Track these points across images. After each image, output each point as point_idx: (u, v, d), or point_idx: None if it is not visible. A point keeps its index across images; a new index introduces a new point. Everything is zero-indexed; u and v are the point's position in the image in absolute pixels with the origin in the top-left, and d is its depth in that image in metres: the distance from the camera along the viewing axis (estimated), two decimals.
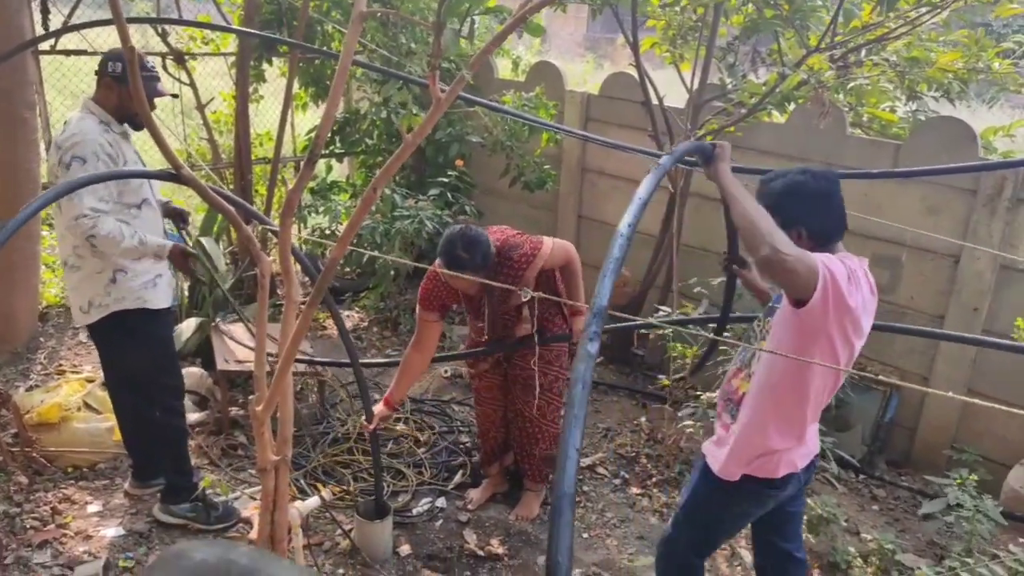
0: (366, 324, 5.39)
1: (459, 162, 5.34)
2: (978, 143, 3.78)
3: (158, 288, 2.99)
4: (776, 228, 1.84)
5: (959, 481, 3.26)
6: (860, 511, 3.72)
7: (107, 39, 3.95)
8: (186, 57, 5.10)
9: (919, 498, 3.79)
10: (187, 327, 4.37)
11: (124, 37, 1.74)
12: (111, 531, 3.15)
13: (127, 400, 3.17)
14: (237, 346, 4.01)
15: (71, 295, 2.99)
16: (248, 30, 4.49)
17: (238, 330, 4.18)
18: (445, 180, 5.22)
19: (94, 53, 4.70)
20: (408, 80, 4.41)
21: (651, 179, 1.76)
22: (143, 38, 6.40)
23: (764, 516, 2.34)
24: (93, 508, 3.28)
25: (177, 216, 3.27)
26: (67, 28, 3.84)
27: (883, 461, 4.09)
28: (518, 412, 3.39)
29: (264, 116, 6.11)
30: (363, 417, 3.17)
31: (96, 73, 2.89)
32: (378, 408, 3.19)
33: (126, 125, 2.91)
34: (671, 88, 4.74)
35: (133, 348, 3.00)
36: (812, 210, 2.06)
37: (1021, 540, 3.15)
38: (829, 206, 2.08)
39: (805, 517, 3.42)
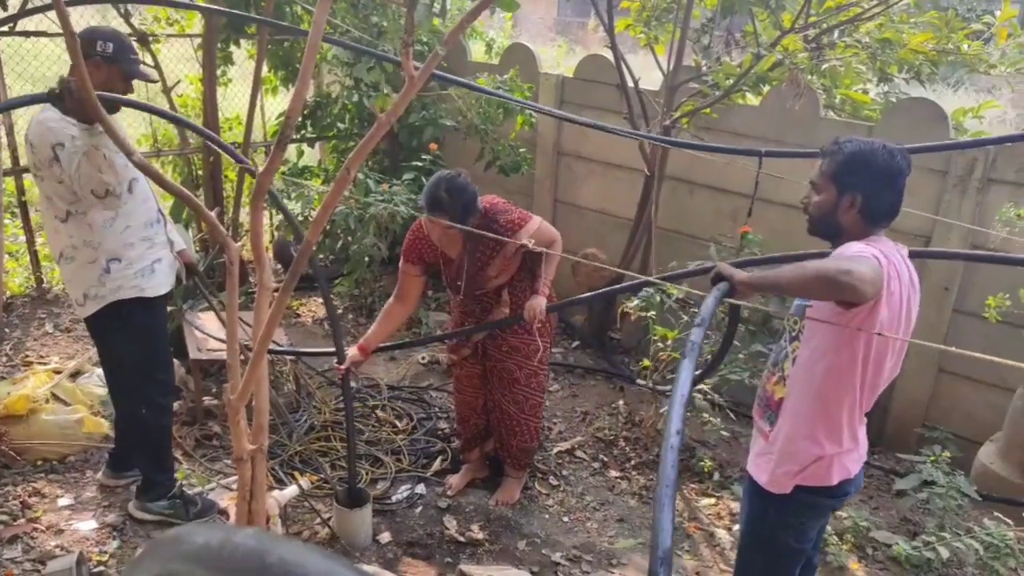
0: (341, 311, 5.33)
1: (433, 146, 5.28)
2: (949, 124, 3.81)
3: (156, 274, 2.89)
4: (829, 262, 1.80)
5: (932, 459, 3.31)
6: None
7: (74, 21, 3.84)
8: (150, 38, 4.98)
9: (892, 477, 3.85)
10: None
11: (64, 21, 1.63)
12: (83, 524, 3.09)
13: (120, 392, 3.10)
14: (209, 334, 3.93)
15: (67, 287, 2.89)
16: (213, 7, 4.38)
17: (208, 319, 4.11)
18: (419, 164, 5.16)
19: (55, 35, 4.56)
20: (380, 57, 4.34)
21: (697, 339, 1.64)
22: (104, 19, 6.22)
23: None
24: (64, 501, 3.21)
25: (185, 269, 3.17)
26: (28, 11, 3.68)
27: None
28: (496, 404, 3.37)
29: (233, 100, 5.99)
30: (335, 361, 3.10)
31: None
32: (351, 351, 3.10)
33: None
34: (646, 71, 4.72)
35: (127, 339, 2.90)
36: (872, 183, 1.97)
37: (996, 514, 3.21)
38: (891, 186, 1.99)
39: None
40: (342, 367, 3.04)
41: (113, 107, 2.63)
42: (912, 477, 3.32)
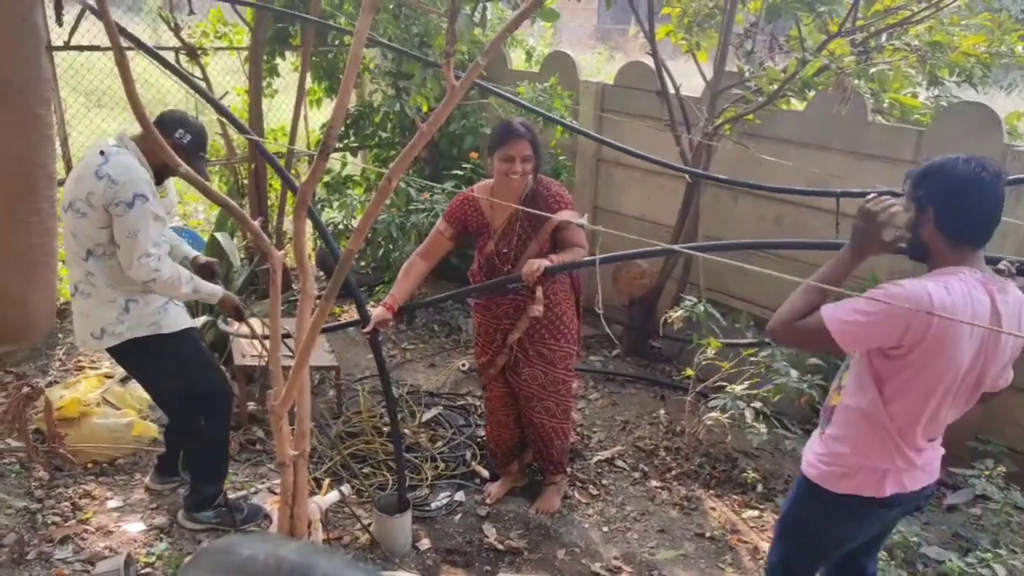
0: None
1: (473, 154, 5.31)
2: (1003, 128, 3.70)
3: (170, 313, 2.93)
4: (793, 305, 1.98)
5: (986, 473, 3.20)
6: None
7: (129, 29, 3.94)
8: (199, 52, 5.10)
9: (943, 490, 3.73)
10: (198, 323, 4.35)
11: (112, 35, 1.68)
12: (132, 526, 3.16)
13: (173, 416, 3.19)
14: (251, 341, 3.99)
15: (80, 321, 2.88)
16: (265, 4, 4.50)
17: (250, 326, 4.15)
18: (459, 173, 5.19)
19: (108, 49, 4.69)
20: (423, 61, 4.39)
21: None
22: (155, 33, 6.40)
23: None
24: (113, 504, 3.29)
25: (206, 270, 3.16)
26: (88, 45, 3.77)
27: None
28: (529, 419, 3.36)
29: (278, 111, 6.11)
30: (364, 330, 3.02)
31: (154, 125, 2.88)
32: (376, 311, 3.03)
33: None
34: (687, 78, 4.68)
35: (155, 368, 2.99)
36: (943, 193, 1.83)
37: None
38: (963, 195, 1.82)
39: None
40: (367, 330, 2.97)
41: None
42: (964, 491, 3.22)
